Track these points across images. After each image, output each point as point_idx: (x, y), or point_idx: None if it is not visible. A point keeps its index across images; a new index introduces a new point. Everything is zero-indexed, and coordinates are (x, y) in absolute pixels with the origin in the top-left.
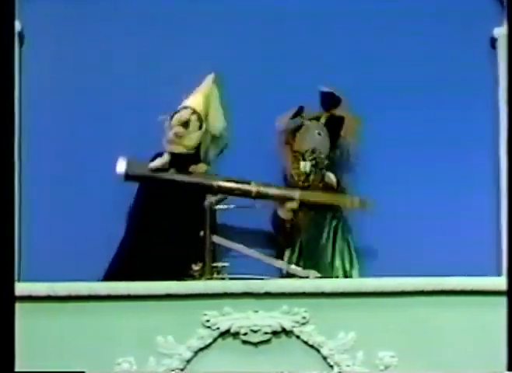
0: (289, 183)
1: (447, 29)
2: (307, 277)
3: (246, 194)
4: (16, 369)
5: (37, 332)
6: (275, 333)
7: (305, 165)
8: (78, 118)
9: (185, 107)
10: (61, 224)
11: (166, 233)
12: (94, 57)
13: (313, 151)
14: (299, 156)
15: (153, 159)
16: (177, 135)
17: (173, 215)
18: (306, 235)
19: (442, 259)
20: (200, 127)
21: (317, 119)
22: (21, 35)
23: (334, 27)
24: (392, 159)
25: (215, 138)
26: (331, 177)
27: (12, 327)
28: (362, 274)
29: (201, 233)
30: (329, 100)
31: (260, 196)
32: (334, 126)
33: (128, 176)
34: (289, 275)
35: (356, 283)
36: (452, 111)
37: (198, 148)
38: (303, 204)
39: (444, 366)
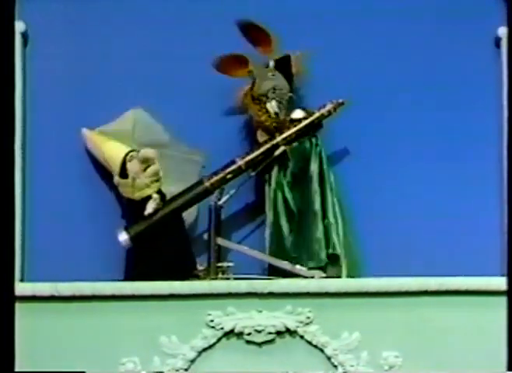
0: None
1: (451, 28)
2: (312, 277)
3: (238, 172)
4: (20, 369)
5: (41, 332)
6: (278, 333)
7: (272, 105)
8: (82, 118)
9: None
10: (65, 223)
11: (172, 232)
12: (99, 58)
13: (274, 89)
14: (263, 98)
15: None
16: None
17: (180, 214)
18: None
19: (446, 258)
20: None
21: (266, 66)
22: (25, 35)
23: (337, 25)
24: (395, 159)
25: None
26: (298, 112)
27: (12, 326)
28: (366, 274)
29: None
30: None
31: (250, 165)
32: (283, 67)
33: (133, 240)
34: (293, 275)
35: (361, 283)
36: (456, 110)
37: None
38: (289, 143)
39: (449, 366)
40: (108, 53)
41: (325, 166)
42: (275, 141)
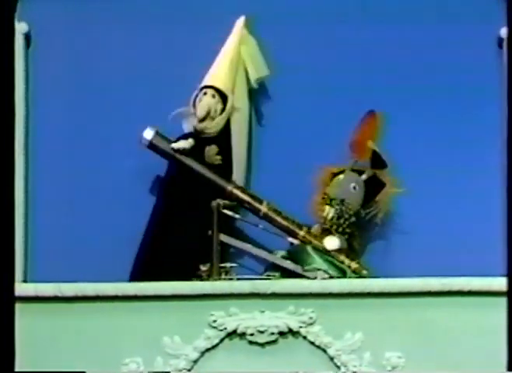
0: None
1: (453, 29)
2: (315, 278)
3: (254, 211)
4: (22, 369)
5: (44, 332)
6: (281, 334)
7: (329, 211)
8: (86, 119)
9: (204, 88)
10: (68, 224)
11: (175, 234)
12: (101, 59)
13: (341, 202)
14: (327, 200)
15: (179, 139)
16: (198, 130)
17: (183, 215)
18: None
19: (449, 259)
20: (223, 110)
21: (359, 173)
22: (27, 36)
23: (338, 30)
24: (398, 160)
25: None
26: (332, 242)
27: (12, 326)
28: (369, 274)
29: (209, 233)
30: (376, 161)
31: (267, 218)
32: (372, 186)
33: (151, 145)
34: (296, 275)
35: (363, 283)
36: (459, 111)
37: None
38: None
39: (452, 367)
40: (111, 54)
41: None
42: (298, 234)
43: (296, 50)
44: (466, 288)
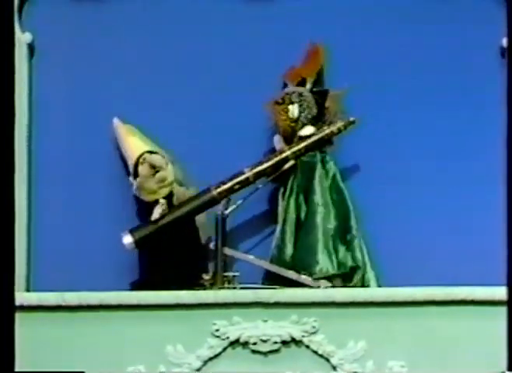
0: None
1: (456, 39)
2: (318, 287)
3: (245, 183)
4: None
5: (47, 341)
6: (284, 343)
7: (293, 109)
8: (89, 128)
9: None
10: (71, 233)
11: (178, 243)
12: (105, 68)
13: (300, 95)
14: (287, 100)
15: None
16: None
17: (185, 224)
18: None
19: (452, 268)
20: (166, 164)
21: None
22: (31, 46)
23: (341, 36)
24: (399, 167)
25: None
26: (308, 128)
27: (12, 334)
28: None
29: (211, 246)
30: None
31: (258, 176)
32: (319, 97)
33: (137, 244)
34: (299, 284)
35: (366, 292)
36: (461, 120)
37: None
38: (298, 157)
39: None
40: (115, 63)
41: (338, 181)
42: (284, 155)
43: None
44: (469, 297)
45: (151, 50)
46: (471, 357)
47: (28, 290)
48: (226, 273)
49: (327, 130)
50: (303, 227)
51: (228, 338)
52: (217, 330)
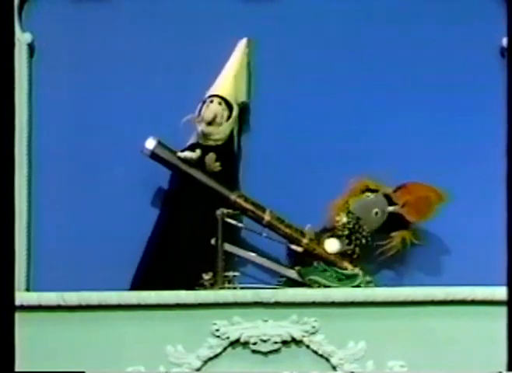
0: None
1: (456, 38)
2: (318, 287)
3: (257, 219)
4: None
5: (47, 341)
6: (284, 343)
7: (342, 219)
8: (90, 128)
9: (211, 97)
10: (71, 233)
11: (178, 243)
12: (105, 68)
13: (356, 219)
14: (346, 210)
15: (186, 149)
16: (206, 134)
17: (186, 225)
18: None
19: (452, 268)
20: (229, 117)
21: (389, 201)
22: (31, 46)
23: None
24: (399, 167)
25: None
26: (333, 244)
27: (12, 334)
28: (373, 282)
29: (213, 242)
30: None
31: (270, 226)
32: (395, 222)
33: (153, 155)
34: (300, 284)
35: (366, 292)
36: (461, 120)
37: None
38: (306, 252)
39: None
40: (115, 62)
41: None
42: (303, 244)
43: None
44: (469, 298)
45: (151, 49)
46: (471, 356)
47: (28, 290)
48: (226, 273)
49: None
50: None
51: (228, 338)
52: (217, 330)
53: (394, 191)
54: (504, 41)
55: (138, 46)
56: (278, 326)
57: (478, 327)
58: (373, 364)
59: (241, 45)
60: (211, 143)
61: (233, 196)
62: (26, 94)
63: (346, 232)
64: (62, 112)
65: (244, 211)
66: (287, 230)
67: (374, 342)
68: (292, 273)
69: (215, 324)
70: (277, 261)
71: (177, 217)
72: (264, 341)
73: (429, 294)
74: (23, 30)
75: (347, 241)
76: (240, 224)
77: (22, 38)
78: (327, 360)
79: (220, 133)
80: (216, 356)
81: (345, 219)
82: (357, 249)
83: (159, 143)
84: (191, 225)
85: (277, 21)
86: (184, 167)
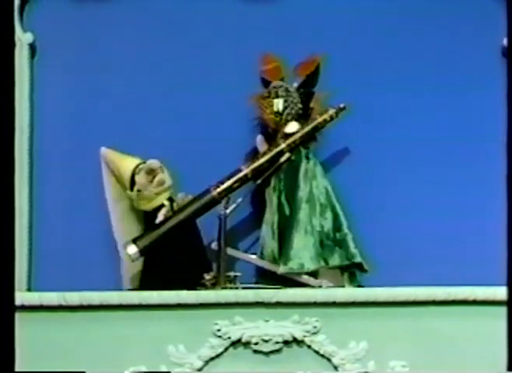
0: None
1: (456, 38)
2: (320, 287)
3: (244, 180)
4: None
5: (48, 341)
6: (286, 343)
7: (277, 103)
8: (91, 129)
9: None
10: (72, 233)
11: (179, 242)
12: (107, 68)
13: (287, 90)
14: (273, 94)
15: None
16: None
17: (186, 224)
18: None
19: (453, 268)
20: (162, 168)
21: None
22: (33, 46)
23: (344, 33)
24: (399, 167)
25: None
26: (293, 125)
27: (12, 334)
28: (372, 284)
29: (214, 246)
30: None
31: (256, 172)
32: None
33: (142, 252)
34: (301, 284)
35: (368, 292)
36: (461, 120)
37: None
38: (293, 150)
39: None
40: (116, 64)
41: (321, 177)
42: (279, 148)
43: None
44: (471, 297)
45: (152, 50)
46: (472, 356)
47: (29, 289)
48: (227, 273)
49: (319, 119)
50: (288, 223)
51: (229, 338)
52: (219, 330)
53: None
54: (504, 41)
55: (139, 46)
56: (280, 326)
57: (479, 327)
58: (374, 364)
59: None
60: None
61: (213, 193)
62: (27, 94)
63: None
64: (63, 112)
65: (232, 189)
66: (266, 156)
67: (376, 342)
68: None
69: (216, 324)
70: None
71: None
72: (266, 341)
73: (430, 294)
74: (24, 30)
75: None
76: (239, 200)
77: (23, 38)
78: (329, 360)
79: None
80: (218, 356)
81: (280, 100)
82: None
83: (135, 243)
84: (193, 224)
85: (277, 21)
86: (167, 226)
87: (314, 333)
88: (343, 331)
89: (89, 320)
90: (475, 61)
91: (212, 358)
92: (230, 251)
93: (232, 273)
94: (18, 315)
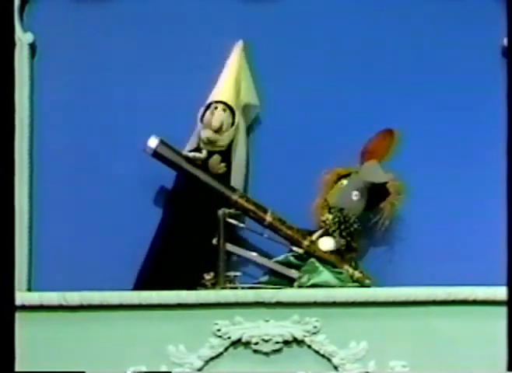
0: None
1: (456, 39)
2: (320, 286)
3: (259, 220)
4: None
5: (48, 341)
6: (286, 343)
7: (327, 217)
8: (92, 128)
9: (216, 103)
10: (73, 232)
11: (179, 242)
12: (107, 68)
13: (340, 211)
14: (326, 207)
15: (192, 151)
16: (211, 141)
17: (187, 224)
18: None
19: (454, 268)
20: (232, 124)
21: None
22: (33, 46)
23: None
24: (400, 167)
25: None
26: (327, 242)
27: (12, 334)
28: (372, 284)
29: (214, 242)
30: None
31: (271, 228)
32: (377, 193)
33: (156, 154)
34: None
35: (368, 292)
36: (461, 120)
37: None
38: (307, 253)
39: None
40: (116, 64)
41: None
42: (304, 246)
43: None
44: (471, 297)
45: (152, 49)
46: (472, 356)
47: (29, 289)
48: (227, 273)
49: (350, 272)
50: None
51: (230, 338)
52: (219, 330)
53: (361, 163)
54: (504, 41)
55: (139, 46)
56: (280, 326)
57: (479, 327)
58: (374, 364)
59: (237, 48)
60: (214, 149)
61: (234, 197)
62: (27, 94)
63: (334, 228)
64: (63, 112)
65: (246, 212)
66: (288, 231)
67: (376, 342)
68: (294, 273)
69: (216, 324)
70: (278, 261)
71: (179, 216)
72: (266, 341)
73: (430, 294)
74: (24, 30)
75: (339, 235)
76: (241, 225)
77: (23, 38)
78: (329, 360)
79: (225, 139)
80: (218, 356)
81: (330, 216)
82: (353, 243)
83: (162, 142)
84: (193, 225)
85: (275, 22)
86: (187, 166)
87: (314, 333)
88: (343, 331)
89: (89, 320)
90: (475, 61)
91: (212, 358)
92: (230, 247)
93: (232, 273)
94: (18, 315)
